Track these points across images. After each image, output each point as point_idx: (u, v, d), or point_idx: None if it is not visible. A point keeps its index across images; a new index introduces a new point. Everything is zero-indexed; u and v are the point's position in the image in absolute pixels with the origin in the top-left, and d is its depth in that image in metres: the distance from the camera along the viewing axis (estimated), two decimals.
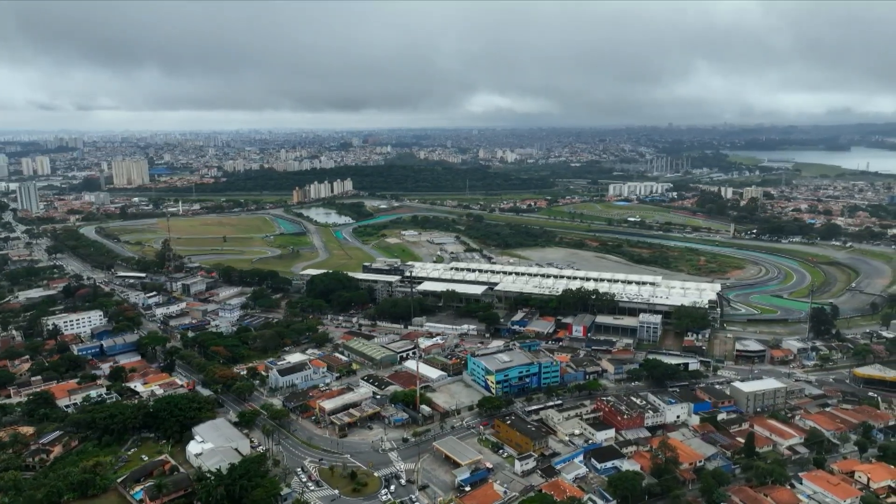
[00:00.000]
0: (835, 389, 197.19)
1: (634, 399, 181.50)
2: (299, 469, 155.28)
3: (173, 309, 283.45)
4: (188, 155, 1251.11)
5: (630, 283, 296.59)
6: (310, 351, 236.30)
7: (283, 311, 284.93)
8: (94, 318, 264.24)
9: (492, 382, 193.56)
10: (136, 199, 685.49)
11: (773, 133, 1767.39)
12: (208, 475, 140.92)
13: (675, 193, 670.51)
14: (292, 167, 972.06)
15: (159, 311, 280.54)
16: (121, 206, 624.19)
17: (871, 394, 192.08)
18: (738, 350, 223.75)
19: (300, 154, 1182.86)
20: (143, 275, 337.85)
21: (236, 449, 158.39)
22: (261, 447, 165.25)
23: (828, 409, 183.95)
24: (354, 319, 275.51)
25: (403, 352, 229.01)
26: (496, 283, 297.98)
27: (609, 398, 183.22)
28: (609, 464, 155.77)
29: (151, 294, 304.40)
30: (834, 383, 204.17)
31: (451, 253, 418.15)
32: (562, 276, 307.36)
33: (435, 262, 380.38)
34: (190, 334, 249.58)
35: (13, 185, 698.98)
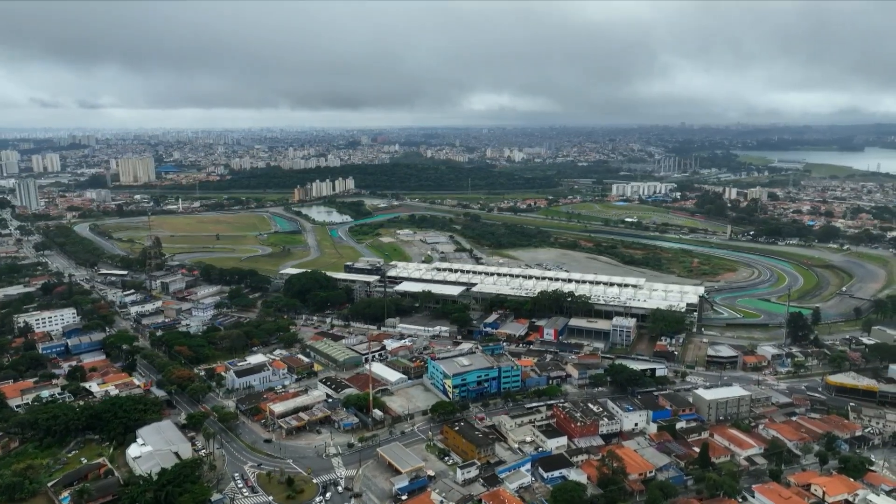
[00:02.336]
0: (804, 398, 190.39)
1: (592, 406, 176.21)
2: (237, 474, 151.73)
3: (148, 307, 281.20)
4: (197, 153, 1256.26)
5: (612, 285, 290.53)
6: (277, 352, 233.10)
7: (258, 310, 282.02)
8: (66, 316, 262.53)
9: (449, 386, 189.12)
10: (137, 197, 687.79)
11: (787, 133, 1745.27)
12: (139, 480, 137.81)
13: (678, 194, 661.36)
14: (299, 165, 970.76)
15: (134, 310, 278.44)
16: (121, 203, 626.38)
17: (851, 404, 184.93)
18: (708, 356, 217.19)
19: (308, 152, 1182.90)
20: (124, 272, 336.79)
21: (176, 452, 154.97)
22: (203, 451, 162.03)
23: (793, 419, 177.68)
24: (328, 320, 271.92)
25: (370, 353, 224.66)
26: (475, 284, 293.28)
27: (565, 404, 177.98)
28: (557, 473, 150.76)
29: (129, 292, 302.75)
30: (806, 391, 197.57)
31: (442, 253, 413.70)
32: (543, 278, 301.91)
33: (424, 261, 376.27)
34: (158, 333, 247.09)
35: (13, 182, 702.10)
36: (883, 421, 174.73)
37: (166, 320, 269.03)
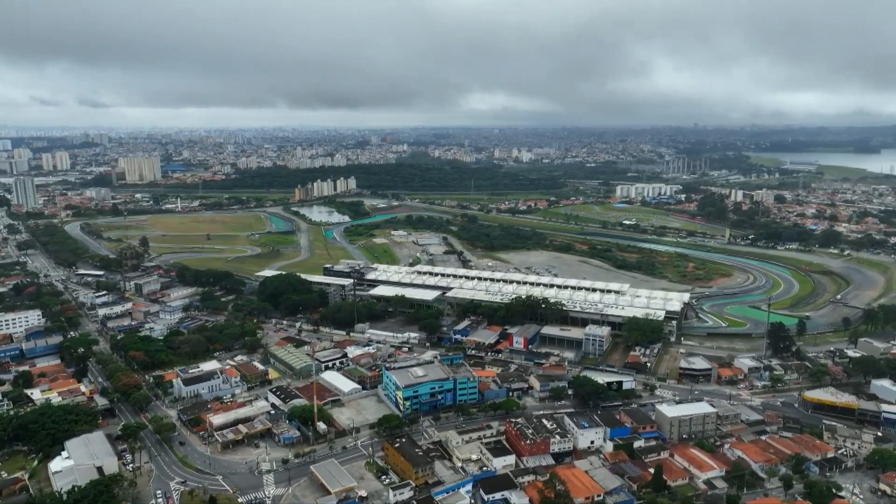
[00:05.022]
0: (777, 415, 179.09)
1: (545, 422, 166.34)
2: (159, 492, 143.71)
3: (116, 309, 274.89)
4: (206, 152, 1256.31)
5: (594, 290, 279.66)
6: (238, 357, 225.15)
7: (227, 313, 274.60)
8: (31, 318, 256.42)
9: (400, 398, 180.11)
10: (137, 196, 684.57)
11: (802, 134, 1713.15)
12: (45, 499, 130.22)
13: (683, 196, 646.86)
14: (305, 165, 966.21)
15: (102, 312, 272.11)
16: (119, 202, 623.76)
17: (829, 422, 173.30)
18: (681, 368, 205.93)
19: (315, 152, 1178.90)
20: (100, 273, 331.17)
21: (99, 467, 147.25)
22: (131, 465, 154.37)
23: (763, 438, 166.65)
24: (297, 324, 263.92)
25: (329, 361, 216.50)
26: (452, 289, 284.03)
27: (517, 420, 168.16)
28: (499, 495, 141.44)
29: (101, 293, 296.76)
30: (781, 407, 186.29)
31: (431, 255, 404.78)
32: (524, 283, 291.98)
33: (411, 263, 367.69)
34: (119, 336, 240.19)
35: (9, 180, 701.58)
36: (858, 441, 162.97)
37: (133, 322, 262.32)
